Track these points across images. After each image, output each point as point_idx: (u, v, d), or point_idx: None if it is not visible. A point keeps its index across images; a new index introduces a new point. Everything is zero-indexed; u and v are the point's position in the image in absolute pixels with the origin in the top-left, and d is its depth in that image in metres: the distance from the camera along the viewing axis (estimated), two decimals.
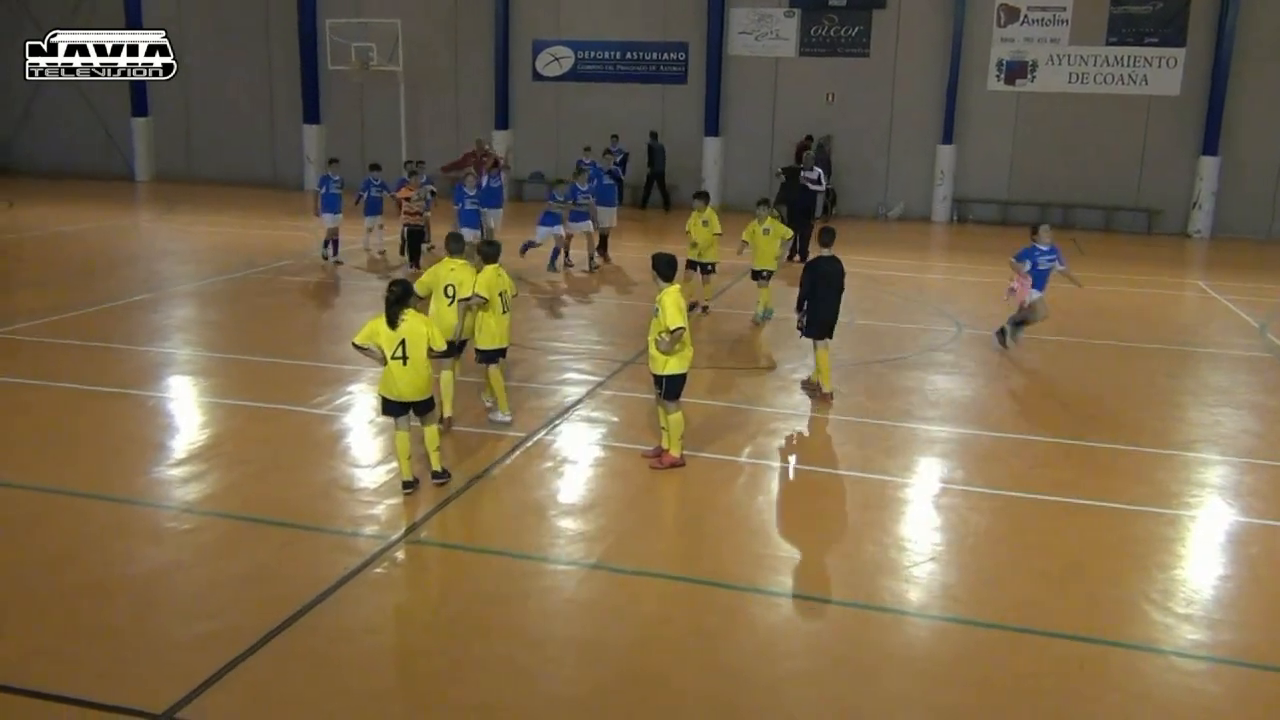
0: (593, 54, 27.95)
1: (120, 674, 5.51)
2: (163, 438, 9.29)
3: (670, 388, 8.46)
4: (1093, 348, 13.58)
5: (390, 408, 7.83)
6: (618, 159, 23.79)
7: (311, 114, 29.64)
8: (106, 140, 31.32)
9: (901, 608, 6.55)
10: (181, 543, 7.15)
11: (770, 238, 13.90)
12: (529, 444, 9.18)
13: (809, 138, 25.82)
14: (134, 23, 29.16)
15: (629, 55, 27.74)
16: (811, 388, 10.88)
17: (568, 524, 7.63)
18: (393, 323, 7.59)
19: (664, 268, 8.41)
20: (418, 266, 16.68)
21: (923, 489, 8.58)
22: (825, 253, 10.54)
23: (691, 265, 14.30)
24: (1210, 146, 24.28)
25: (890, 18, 25.93)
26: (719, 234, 14.32)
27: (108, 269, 17.27)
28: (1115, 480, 8.87)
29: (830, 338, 10.66)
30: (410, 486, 7.94)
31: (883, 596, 6.68)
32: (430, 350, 7.73)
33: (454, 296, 9.23)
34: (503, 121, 28.48)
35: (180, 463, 8.56)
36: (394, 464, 8.30)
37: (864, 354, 12.80)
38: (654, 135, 26.86)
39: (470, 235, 15.22)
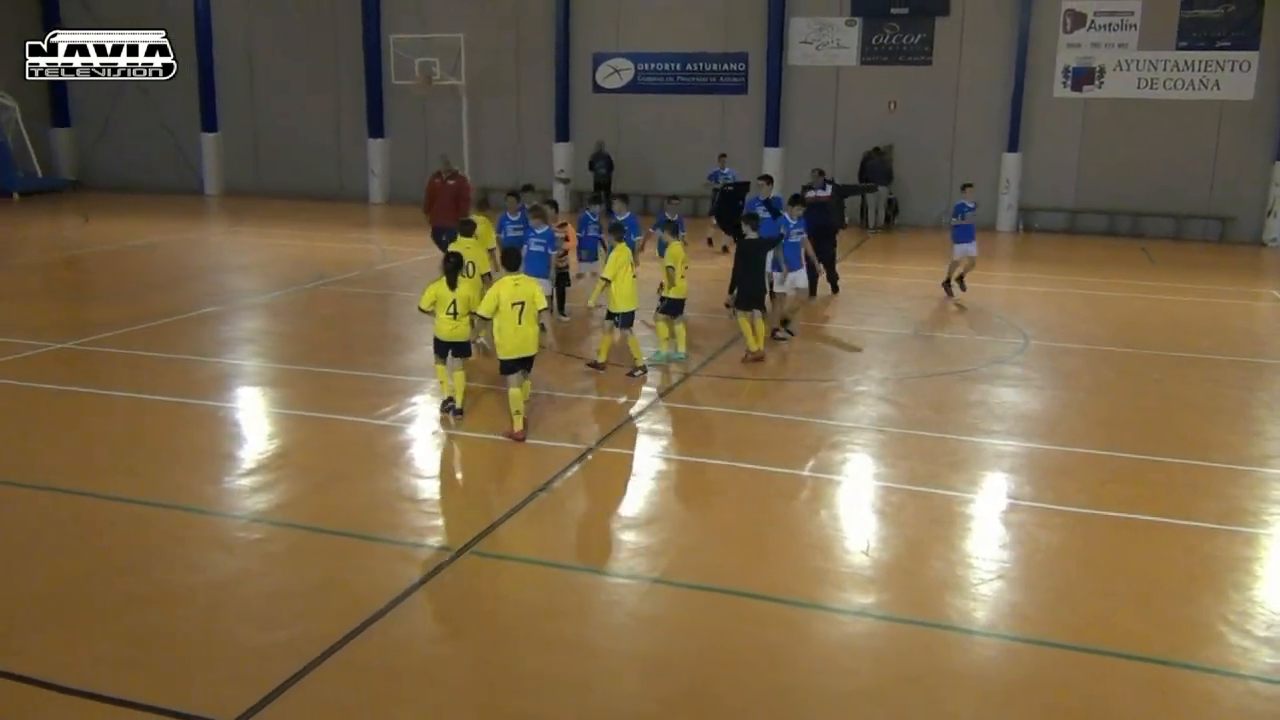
0: (653, 66, 28.02)
1: (189, 681, 5.61)
2: (230, 447, 9.48)
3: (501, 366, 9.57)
4: (1164, 360, 13.26)
5: (438, 347, 9.99)
6: (730, 183, 20.75)
7: (376, 128, 30.09)
8: (177, 155, 32.08)
9: (968, 626, 6.43)
10: (249, 552, 7.28)
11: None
12: (590, 456, 9.20)
13: (875, 150, 25.62)
14: (204, 39, 29.93)
15: (689, 66, 27.75)
16: (756, 357, 12.35)
17: (629, 537, 7.62)
18: (453, 285, 9.74)
19: (509, 261, 9.79)
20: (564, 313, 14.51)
21: (990, 505, 8.43)
22: (751, 236, 12.37)
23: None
24: None
25: (953, 25, 25.64)
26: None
27: (178, 282, 17.63)
28: (1189, 497, 8.64)
29: (760, 308, 12.38)
30: (449, 405, 10.02)
31: (949, 614, 6.57)
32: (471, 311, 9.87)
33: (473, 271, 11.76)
34: (563, 134, 28.66)
35: (248, 473, 8.71)
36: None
37: (929, 366, 12.64)
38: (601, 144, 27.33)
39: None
